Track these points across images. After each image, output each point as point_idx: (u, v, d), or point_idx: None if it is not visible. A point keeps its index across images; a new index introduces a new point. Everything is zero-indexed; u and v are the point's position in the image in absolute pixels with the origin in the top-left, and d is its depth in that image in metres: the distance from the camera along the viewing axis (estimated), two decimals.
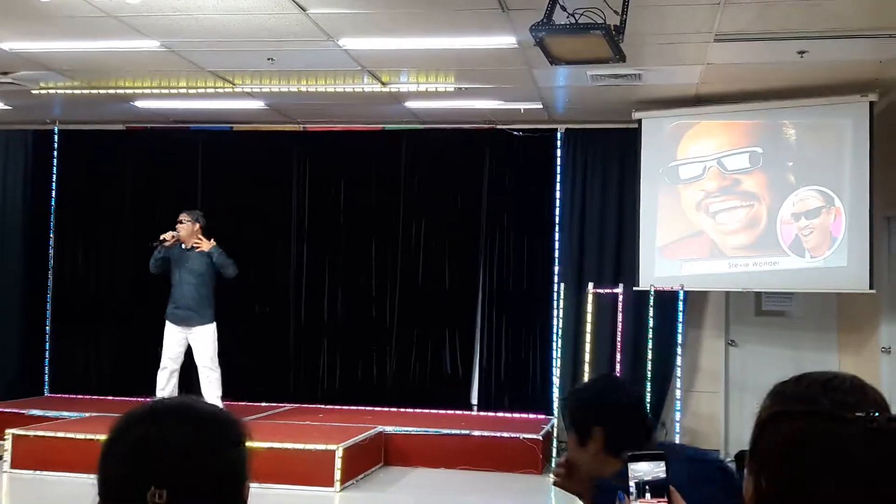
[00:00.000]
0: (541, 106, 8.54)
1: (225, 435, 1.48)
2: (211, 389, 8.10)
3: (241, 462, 1.47)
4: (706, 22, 6.06)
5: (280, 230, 9.97)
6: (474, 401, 9.61)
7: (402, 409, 9.37)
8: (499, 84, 7.83)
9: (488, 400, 9.49)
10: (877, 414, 1.28)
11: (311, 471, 7.19)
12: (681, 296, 7.82)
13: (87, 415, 8.73)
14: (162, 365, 8.14)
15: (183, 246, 8.21)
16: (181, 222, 8.26)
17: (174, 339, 8.15)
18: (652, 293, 7.78)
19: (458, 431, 8.37)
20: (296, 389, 9.78)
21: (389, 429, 8.40)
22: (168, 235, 8.19)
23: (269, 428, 8.25)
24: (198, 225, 8.27)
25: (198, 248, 8.20)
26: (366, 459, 7.88)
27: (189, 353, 8.23)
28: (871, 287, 7.62)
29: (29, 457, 7.61)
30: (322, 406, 9.53)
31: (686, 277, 8.09)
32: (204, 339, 8.13)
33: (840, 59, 6.79)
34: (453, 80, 7.74)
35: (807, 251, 7.81)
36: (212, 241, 8.25)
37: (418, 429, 8.45)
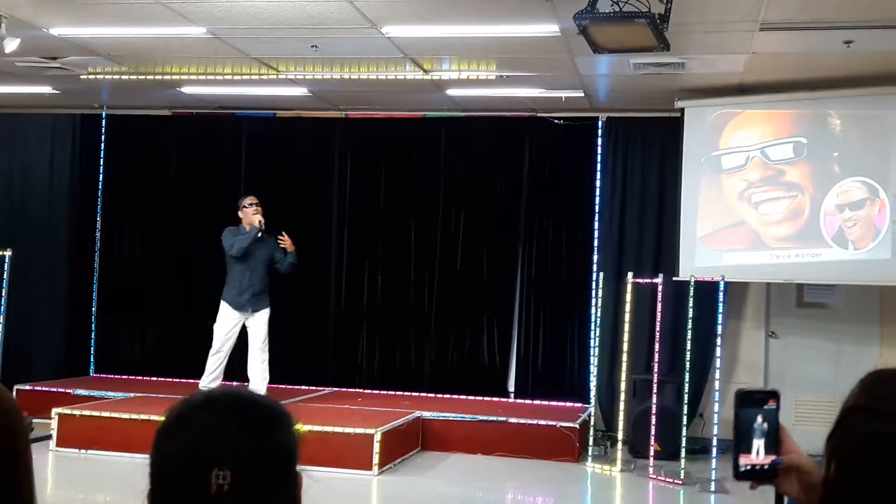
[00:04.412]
0: (582, 94, 8.52)
1: (279, 419, 1.53)
2: (260, 373, 8.19)
3: (295, 445, 1.53)
4: (751, 10, 6.00)
5: (321, 216, 10.05)
6: (511, 388, 9.65)
7: (440, 395, 9.43)
8: (540, 72, 7.82)
9: (525, 388, 9.51)
10: None
11: (349, 454, 7.27)
12: (721, 286, 7.77)
13: (132, 395, 8.89)
14: (215, 349, 8.19)
15: (260, 232, 8.27)
16: (256, 204, 8.30)
17: (232, 324, 8.19)
18: (692, 283, 7.75)
19: (495, 418, 8.42)
20: (336, 374, 9.88)
21: (427, 414, 8.46)
22: (260, 220, 8.23)
23: (310, 411, 8.35)
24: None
25: (282, 243, 8.26)
26: (403, 444, 7.95)
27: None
28: None
29: (74, 435, 7.77)
30: (361, 391, 9.62)
31: (727, 268, 8.04)
32: (261, 323, 8.22)
33: (887, 49, 6.69)
34: (495, 67, 7.75)
35: (850, 243, 7.73)
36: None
37: (455, 415, 8.51)
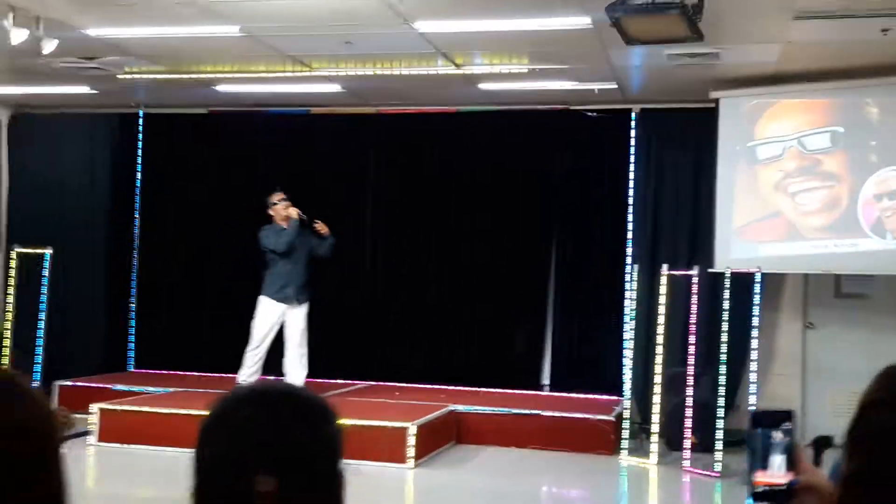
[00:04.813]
0: (615, 86, 8.48)
1: (323, 413, 1.53)
2: (298, 367, 8.26)
3: (340, 439, 1.53)
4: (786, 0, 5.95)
5: (355, 211, 10.10)
6: (546, 381, 9.65)
7: (475, 389, 9.44)
8: (573, 64, 7.79)
9: (559, 381, 9.51)
10: None
11: (385, 447, 7.32)
12: (757, 278, 7.71)
13: (172, 390, 9.00)
14: (255, 344, 8.24)
15: (304, 218, 8.32)
16: (285, 199, 8.34)
17: (274, 318, 8.24)
18: (728, 276, 7.69)
19: (529, 411, 8.42)
20: (372, 368, 9.92)
21: (461, 407, 8.49)
22: (297, 212, 8.27)
23: (347, 405, 8.39)
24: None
25: (321, 231, 8.32)
26: (438, 437, 7.98)
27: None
28: None
29: (115, 430, 7.88)
30: (397, 384, 9.66)
31: (763, 259, 7.98)
32: (301, 317, 8.28)
33: None
34: (527, 61, 7.74)
35: (888, 233, 7.64)
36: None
37: (490, 408, 8.53)
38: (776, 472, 1.48)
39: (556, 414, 8.36)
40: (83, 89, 9.37)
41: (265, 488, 1.40)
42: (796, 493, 1.47)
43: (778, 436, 1.49)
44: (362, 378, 9.81)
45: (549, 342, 9.67)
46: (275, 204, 8.36)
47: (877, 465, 1.32)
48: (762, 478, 1.47)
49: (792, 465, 1.48)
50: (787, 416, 1.52)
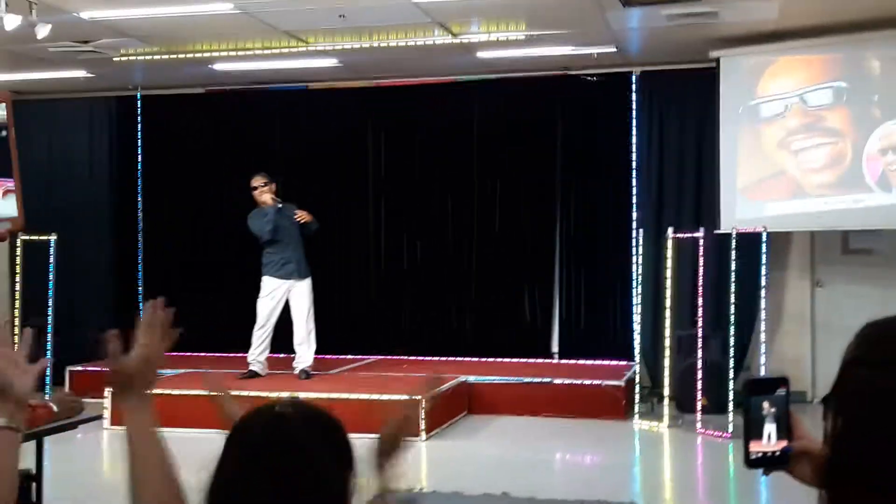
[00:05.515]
0: (615, 49, 8.41)
1: (345, 454, 1.53)
2: (307, 344, 8.28)
3: (351, 484, 1.53)
4: None
5: (357, 185, 10.08)
6: (555, 349, 9.65)
7: (484, 359, 9.44)
8: (571, 29, 7.73)
9: (569, 348, 9.51)
10: None
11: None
12: (763, 238, 7.68)
13: (182, 371, 9.02)
14: (260, 323, 8.28)
15: (280, 206, 8.32)
16: (263, 184, 8.34)
17: (279, 296, 8.26)
18: (734, 236, 7.67)
19: (540, 379, 8.43)
20: (380, 341, 9.93)
21: (472, 378, 8.50)
22: (272, 198, 8.28)
23: (356, 380, 8.42)
24: (274, 185, 8.42)
25: (302, 219, 8.26)
26: (450, 408, 7.99)
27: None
28: None
29: None
30: (406, 357, 9.67)
31: (769, 219, 7.94)
32: (305, 293, 8.28)
33: None
34: (524, 27, 7.67)
35: (894, 187, 7.59)
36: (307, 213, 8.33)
37: (500, 377, 8.54)
38: (771, 440, 1.47)
39: (567, 381, 8.37)
40: (80, 73, 9.32)
41: None
42: (791, 459, 1.47)
43: (771, 404, 1.48)
44: (371, 353, 9.81)
45: (558, 310, 9.66)
46: (253, 190, 8.33)
47: (857, 423, 1.31)
48: (757, 446, 1.47)
49: (787, 431, 1.48)
50: (781, 382, 1.52)
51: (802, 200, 7.97)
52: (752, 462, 1.48)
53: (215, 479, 1.50)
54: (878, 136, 7.63)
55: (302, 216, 8.30)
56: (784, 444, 1.48)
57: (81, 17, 7.16)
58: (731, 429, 7.42)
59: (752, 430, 1.48)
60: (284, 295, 8.29)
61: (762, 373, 7.55)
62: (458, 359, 9.43)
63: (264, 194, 8.32)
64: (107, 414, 7.90)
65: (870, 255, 8.72)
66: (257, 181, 8.38)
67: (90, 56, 8.46)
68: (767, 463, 1.48)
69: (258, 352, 8.29)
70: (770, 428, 1.48)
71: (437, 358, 9.53)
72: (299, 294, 8.30)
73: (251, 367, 8.30)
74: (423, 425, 7.35)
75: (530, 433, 7.78)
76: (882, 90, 7.66)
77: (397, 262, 10.09)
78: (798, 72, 7.98)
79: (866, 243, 8.67)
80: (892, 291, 8.40)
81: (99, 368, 9.30)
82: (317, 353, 8.41)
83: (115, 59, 8.56)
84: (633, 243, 8.85)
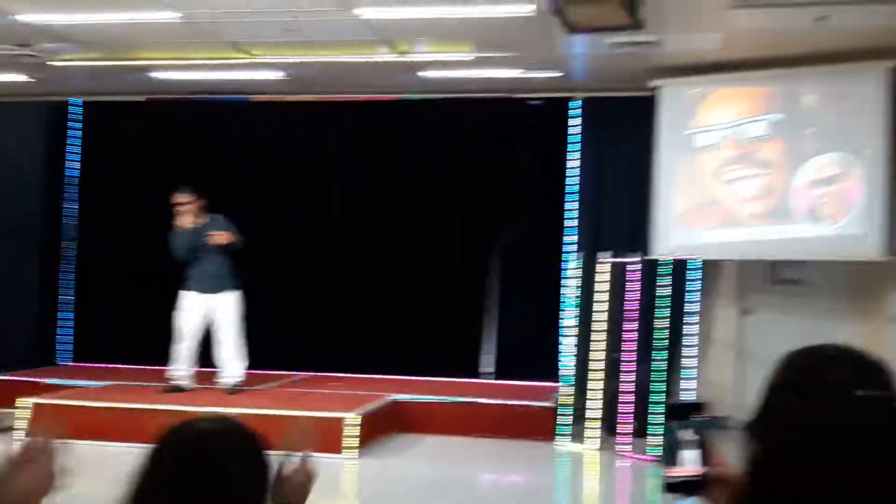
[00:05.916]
0: (559, 74, 8.49)
1: (266, 472, 1.54)
2: (237, 359, 8.15)
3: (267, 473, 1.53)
4: None
5: (292, 199, 10.02)
6: (489, 369, 9.68)
7: (415, 378, 9.41)
8: (517, 52, 7.78)
9: (502, 368, 9.55)
10: (863, 392, 1.29)
11: (326, 438, 7.25)
12: (695, 264, 7.81)
13: (106, 383, 8.83)
14: (179, 338, 8.12)
15: (196, 229, 8.11)
16: (188, 203, 8.15)
17: (198, 311, 8.10)
18: (667, 262, 7.77)
19: (470, 399, 8.44)
20: (311, 358, 9.84)
21: (402, 397, 8.47)
22: (188, 222, 8.11)
23: (284, 396, 8.35)
24: (201, 201, 8.22)
25: (217, 242, 8.05)
26: (380, 427, 7.95)
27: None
28: (890, 254, 7.58)
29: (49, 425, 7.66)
30: (335, 374, 9.59)
31: (703, 246, 8.07)
32: (229, 308, 8.13)
33: (860, 25, 6.72)
34: (471, 49, 7.71)
35: (823, 219, 7.78)
36: (225, 234, 8.12)
37: (430, 397, 8.53)
38: (688, 465, 1.49)
39: (497, 402, 8.39)
40: (21, 77, 9.10)
41: None
42: (707, 485, 1.49)
43: (689, 431, 1.50)
44: (301, 369, 9.72)
45: (490, 331, 9.70)
46: (175, 206, 8.14)
47: (782, 450, 1.33)
48: (675, 471, 1.48)
49: (705, 457, 1.49)
50: (700, 407, 1.54)
51: (734, 229, 8.12)
52: (669, 486, 1.49)
53: (134, 494, 1.47)
54: (811, 168, 7.82)
55: (215, 238, 8.06)
56: (701, 469, 1.49)
57: (18, 19, 7.01)
58: (655, 452, 7.50)
59: (671, 456, 1.49)
60: (204, 310, 8.11)
61: (683, 398, 7.66)
62: (389, 377, 9.38)
63: (184, 215, 8.11)
64: (25, 425, 7.69)
65: (798, 285, 8.91)
66: (180, 199, 8.15)
67: (28, 60, 8.27)
68: (684, 488, 1.50)
69: (181, 369, 8.13)
70: (689, 454, 1.49)
71: (369, 375, 9.47)
72: (223, 308, 8.13)
73: (172, 382, 8.14)
74: (353, 443, 7.30)
75: (460, 453, 7.78)
76: (816, 124, 7.85)
77: (330, 278, 10.03)
78: (736, 103, 8.14)
79: (795, 273, 8.86)
80: (820, 321, 8.59)
81: (16, 378, 9.06)
82: (249, 368, 8.30)
83: (54, 63, 8.36)
84: (568, 266, 8.93)
